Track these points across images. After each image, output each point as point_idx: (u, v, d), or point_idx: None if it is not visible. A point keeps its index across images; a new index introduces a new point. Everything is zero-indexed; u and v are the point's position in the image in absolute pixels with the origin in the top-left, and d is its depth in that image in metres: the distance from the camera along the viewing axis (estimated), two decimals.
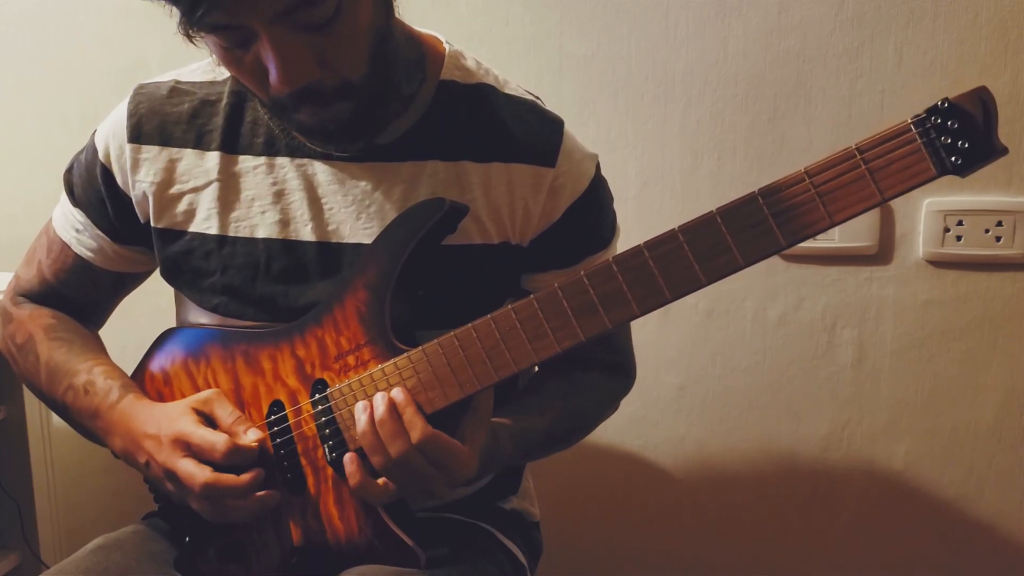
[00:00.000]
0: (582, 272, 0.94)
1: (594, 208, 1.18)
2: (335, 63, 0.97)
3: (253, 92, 1.03)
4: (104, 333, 1.29)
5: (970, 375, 1.68)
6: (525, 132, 1.14)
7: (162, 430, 1.06)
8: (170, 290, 1.24)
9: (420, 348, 1.01)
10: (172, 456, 1.04)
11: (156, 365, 1.19)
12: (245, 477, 1.04)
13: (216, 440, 1.03)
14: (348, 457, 1.02)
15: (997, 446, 1.70)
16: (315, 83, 0.97)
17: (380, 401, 0.99)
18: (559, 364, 1.00)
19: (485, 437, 1.04)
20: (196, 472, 1.03)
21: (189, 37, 0.98)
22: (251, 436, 1.05)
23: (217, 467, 1.03)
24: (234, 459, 1.03)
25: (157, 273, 1.21)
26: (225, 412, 1.07)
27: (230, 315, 1.15)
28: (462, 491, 1.23)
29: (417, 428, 0.97)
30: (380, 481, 1.01)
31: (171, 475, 1.05)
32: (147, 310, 1.40)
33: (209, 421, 1.07)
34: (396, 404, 0.99)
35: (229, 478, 1.03)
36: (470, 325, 0.99)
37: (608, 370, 1.27)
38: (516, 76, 1.22)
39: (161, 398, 1.17)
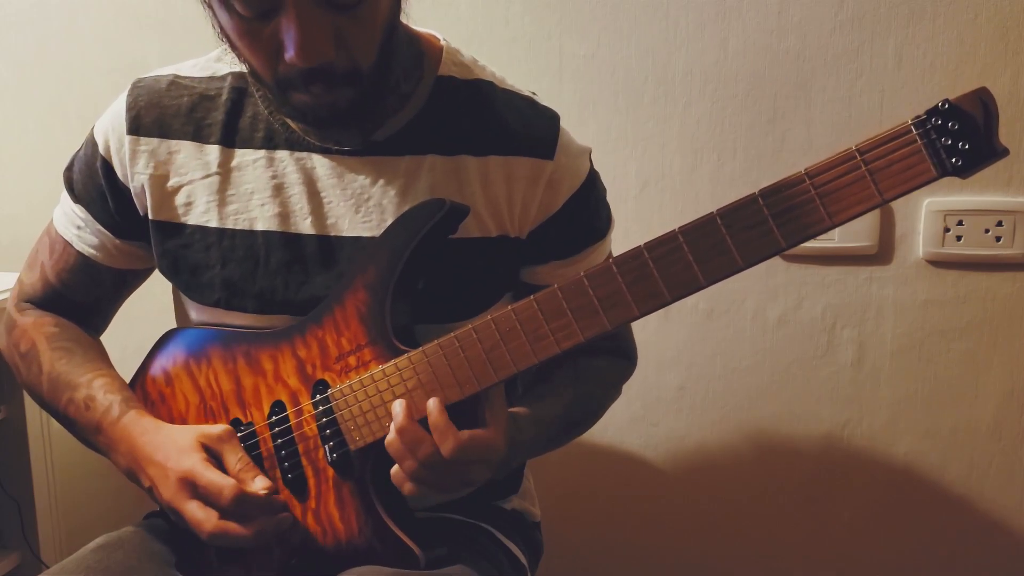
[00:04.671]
0: (582, 273, 0.94)
1: (591, 200, 1.19)
2: (351, 47, 0.99)
3: (256, 70, 1.03)
4: (105, 334, 1.29)
5: (970, 375, 1.68)
6: (522, 126, 1.15)
7: (169, 462, 1.05)
8: (170, 292, 1.24)
9: (420, 349, 1.01)
10: (178, 496, 1.04)
11: (158, 366, 1.19)
12: (251, 529, 1.03)
13: (224, 485, 1.02)
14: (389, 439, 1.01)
15: (997, 446, 1.70)
16: (328, 64, 0.98)
17: (399, 409, 0.99)
18: None
19: (506, 417, 1.04)
20: (203, 519, 1.02)
21: (209, 6, 1.00)
22: (259, 484, 1.04)
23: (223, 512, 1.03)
24: (240, 508, 1.02)
25: (157, 274, 1.21)
26: (234, 459, 1.06)
27: (231, 309, 1.15)
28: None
29: (448, 441, 0.97)
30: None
31: (175, 513, 1.05)
32: (147, 311, 1.40)
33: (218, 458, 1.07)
34: (428, 415, 0.99)
35: (234, 528, 1.02)
36: (470, 326, 0.99)
37: (610, 355, 1.28)
38: (516, 76, 1.22)
39: (163, 399, 1.17)
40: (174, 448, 1.06)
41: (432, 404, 0.99)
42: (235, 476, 1.04)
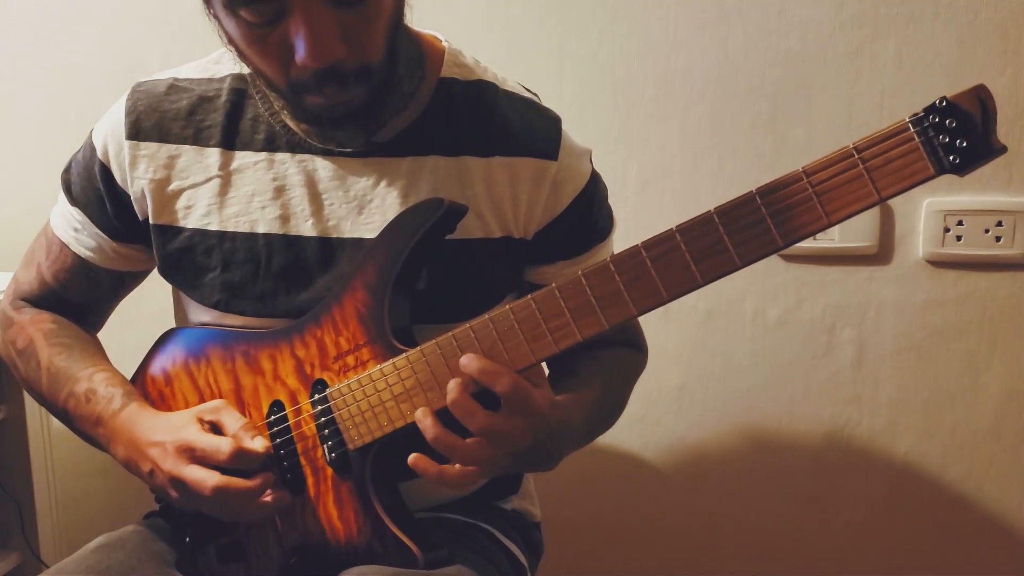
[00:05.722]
0: (580, 272, 0.94)
1: (595, 200, 1.20)
2: (360, 44, 0.99)
3: (269, 77, 1.03)
4: (104, 334, 1.29)
5: (970, 375, 1.68)
6: (525, 127, 1.15)
7: (167, 437, 1.06)
8: (169, 292, 1.24)
9: (418, 349, 1.01)
10: (178, 463, 1.04)
11: (157, 366, 1.19)
12: (255, 481, 1.03)
13: (221, 443, 1.03)
14: (413, 458, 0.98)
15: (997, 446, 1.70)
16: (339, 63, 0.98)
17: (452, 388, 0.96)
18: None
19: (549, 390, 1.02)
20: (205, 477, 1.02)
21: (215, 16, 1.00)
22: (258, 442, 1.05)
23: (224, 471, 1.03)
24: (239, 463, 1.03)
25: (156, 275, 1.21)
26: (232, 419, 1.07)
27: (231, 311, 1.15)
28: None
29: (503, 377, 0.95)
30: (456, 468, 0.98)
31: (178, 483, 1.04)
32: (147, 311, 1.40)
33: (216, 430, 1.07)
34: (472, 373, 0.96)
35: (239, 482, 1.03)
36: (468, 325, 0.99)
37: (623, 346, 1.29)
38: (516, 76, 1.22)
39: (162, 399, 1.17)
40: (171, 426, 1.07)
41: (467, 359, 0.97)
42: (233, 436, 1.05)
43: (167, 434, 1.06)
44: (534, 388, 0.97)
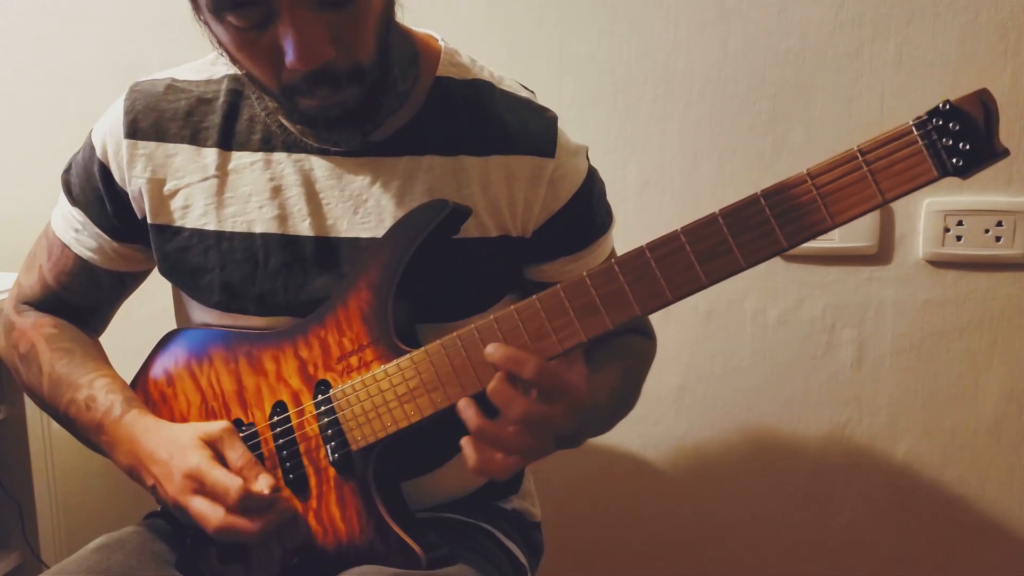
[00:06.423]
0: (584, 273, 0.95)
1: (593, 196, 1.20)
2: (350, 44, 0.99)
3: (261, 80, 1.03)
4: (106, 335, 1.29)
5: (970, 375, 1.68)
6: (522, 126, 1.15)
7: (173, 459, 1.05)
8: (170, 293, 1.24)
9: (423, 348, 1.01)
10: (183, 492, 1.04)
11: (159, 366, 1.19)
12: (257, 524, 1.03)
13: (230, 485, 1.02)
14: (464, 440, 0.96)
15: (997, 446, 1.70)
16: (330, 64, 0.98)
17: (495, 379, 0.95)
18: None
19: (586, 371, 1.00)
20: (209, 514, 1.02)
21: (205, 22, 1.00)
22: (263, 483, 1.04)
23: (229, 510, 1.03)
24: (246, 506, 1.02)
25: (157, 276, 1.21)
26: (236, 454, 1.06)
27: (231, 311, 1.15)
28: (469, 484, 1.25)
29: (529, 364, 0.93)
30: (499, 456, 0.96)
31: (181, 510, 1.05)
32: (149, 312, 1.40)
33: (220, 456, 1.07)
34: (496, 361, 0.95)
35: (242, 523, 1.02)
36: (473, 326, 0.99)
37: (635, 333, 1.29)
38: (516, 76, 1.22)
39: (164, 399, 1.17)
40: (177, 446, 1.06)
41: (492, 348, 0.96)
42: (238, 473, 1.04)
43: (173, 455, 1.06)
44: (565, 369, 0.96)
